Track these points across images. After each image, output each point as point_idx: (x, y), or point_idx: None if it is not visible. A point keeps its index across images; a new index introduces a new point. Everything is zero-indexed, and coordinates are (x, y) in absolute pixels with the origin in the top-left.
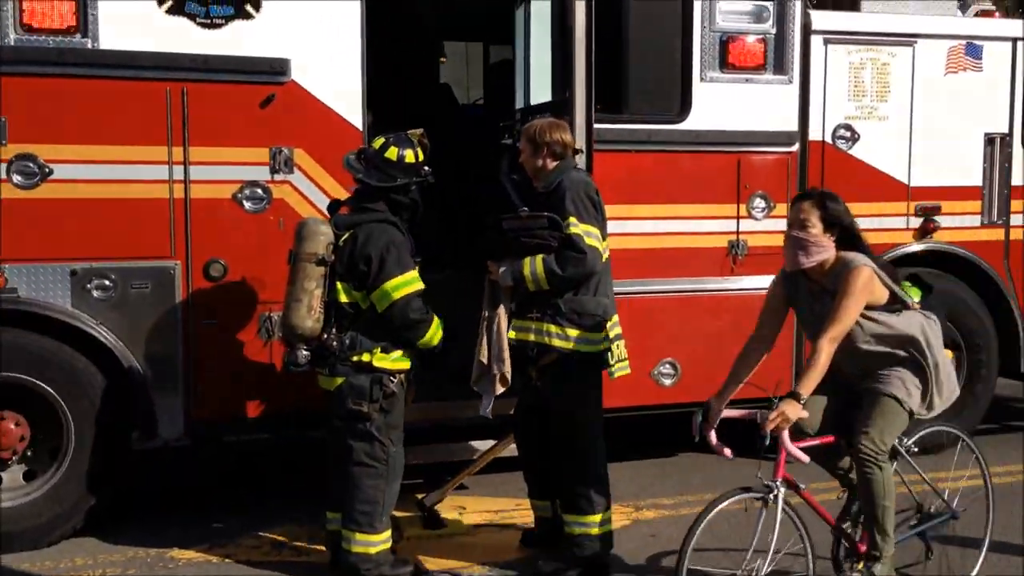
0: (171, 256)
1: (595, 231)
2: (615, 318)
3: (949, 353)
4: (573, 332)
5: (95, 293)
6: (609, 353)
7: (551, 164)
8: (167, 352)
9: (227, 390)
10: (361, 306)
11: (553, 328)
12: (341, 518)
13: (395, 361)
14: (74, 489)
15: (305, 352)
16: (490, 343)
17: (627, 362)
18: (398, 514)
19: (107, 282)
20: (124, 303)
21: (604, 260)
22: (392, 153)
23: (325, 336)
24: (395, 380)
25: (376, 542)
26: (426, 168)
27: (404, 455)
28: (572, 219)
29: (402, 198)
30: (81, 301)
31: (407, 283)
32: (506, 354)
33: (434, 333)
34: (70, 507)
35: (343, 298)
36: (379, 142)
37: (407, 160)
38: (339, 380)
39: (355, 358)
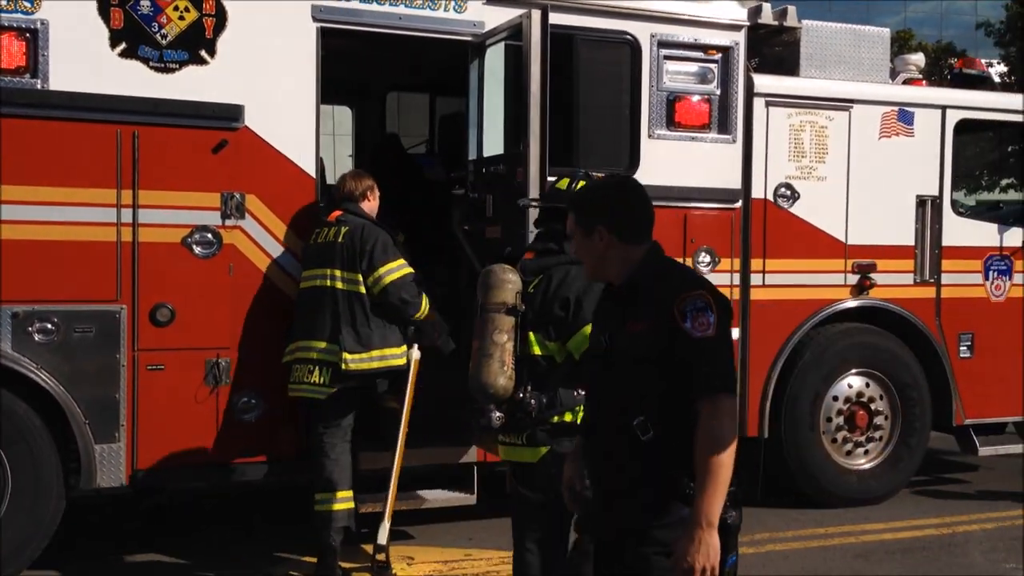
0: (117, 300)
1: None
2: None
3: None
4: None
5: (37, 336)
6: None
7: None
8: (110, 398)
9: (171, 438)
10: (556, 359)
11: None
12: None
13: None
14: (11, 537)
15: (498, 415)
16: None
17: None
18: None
19: (49, 325)
20: (67, 347)
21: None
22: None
23: (521, 396)
24: None
25: None
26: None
27: None
28: None
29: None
30: (22, 344)
31: None
32: None
33: None
34: (8, 553)
35: (536, 351)
36: (565, 182)
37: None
38: (543, 450)
39: (556, 419)
